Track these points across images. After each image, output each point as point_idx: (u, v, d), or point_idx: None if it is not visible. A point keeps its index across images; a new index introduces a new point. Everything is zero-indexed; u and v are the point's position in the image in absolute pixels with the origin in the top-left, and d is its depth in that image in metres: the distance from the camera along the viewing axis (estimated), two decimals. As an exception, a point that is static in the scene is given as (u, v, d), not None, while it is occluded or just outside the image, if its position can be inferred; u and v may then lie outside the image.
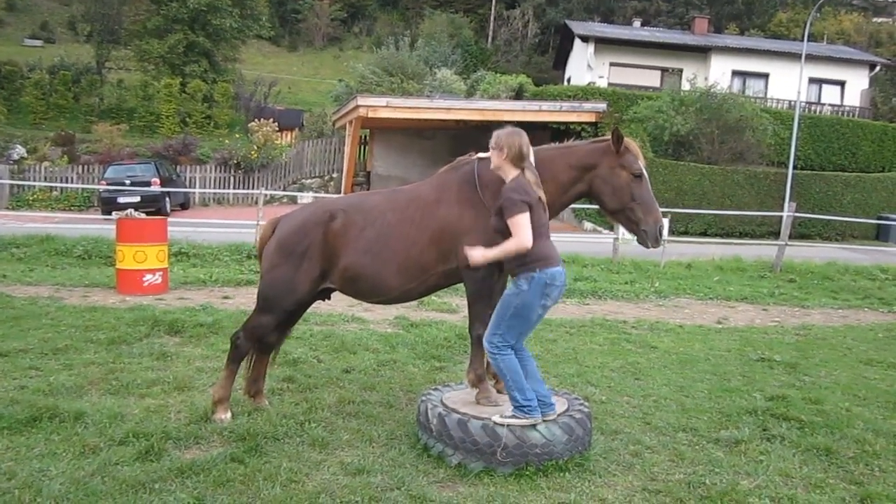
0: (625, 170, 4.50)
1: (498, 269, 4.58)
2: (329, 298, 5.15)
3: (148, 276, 9.74)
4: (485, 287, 4.60)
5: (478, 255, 4.16)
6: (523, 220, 4.06)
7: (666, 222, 14.80)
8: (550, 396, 4.39)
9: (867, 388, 6.36)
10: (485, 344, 4.30)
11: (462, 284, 4.79)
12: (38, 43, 46.63)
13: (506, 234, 4.14)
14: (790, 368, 7.01)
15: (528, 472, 4.11)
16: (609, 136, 4.54)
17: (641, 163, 4.53)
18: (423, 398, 4.66)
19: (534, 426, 4.20)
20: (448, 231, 4.58)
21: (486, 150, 4.54)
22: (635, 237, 4.66)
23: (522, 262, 4.16)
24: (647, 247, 4.61)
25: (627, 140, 4.54)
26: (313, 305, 5.44)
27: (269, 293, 4.83)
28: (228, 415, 4.85)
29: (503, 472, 4.13)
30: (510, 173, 4.22)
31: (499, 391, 4.70)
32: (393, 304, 5.49)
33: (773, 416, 5.36)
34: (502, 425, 4.18)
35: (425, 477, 4.10)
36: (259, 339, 5.03)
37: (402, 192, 5.02)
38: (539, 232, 4.14)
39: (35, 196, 24.51)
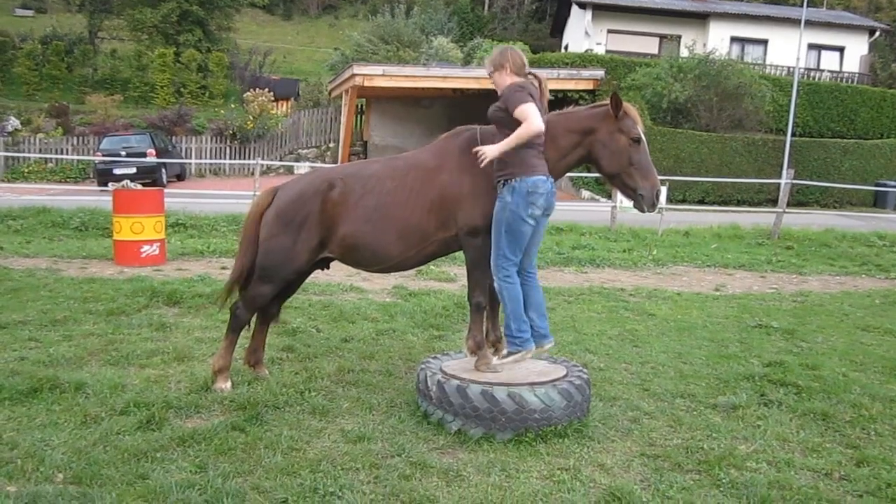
0: (623, 134, 4.49)
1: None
2: (328, 268, 5.15)
3: (145, 248, 9.74)
4: (483, 255, 4.60)
5: (492, 148, 4.20)
6: (530, 107, 4.16)
7: (664, 190, 14.88)
8: (548, 329, 4.55)
9: (864, 354, 6.40)
10: (493, 270, 4.39)
11: (460, 253, 4.79)
12: (30, 13, 45.98)
13: (509, 128, 4.23)
14: (787, 335, 7.04)
15: (527, 438, 4.14)
16: (608, 101, 4.52)
17: (640, 128, 4.52)
18: (423, 366, 4.68)
19: (531, 390, 4.23)
20: (448, 198, 4.56)
21: (484, 118, 4.54)
22: (632, 202, 4.67)
23: (503, 169, 4.28)
24: (644, 211, 4.62)
25: (626, 105, 4.52)
26: (312, 275, 5.44)
27: (267, 263, 4.82)
28: (229, 384, 4.87)
29: (502, 439, 4.16)
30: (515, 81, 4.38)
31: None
32: (391, 272, 5.49)
33: (770, 382, 5.39)
34: (499, 365, 4.42)
35: (425, 444, 4.13)
36: (258, 308, 5.04)
37: (402, 159, 4.99)
38: (530, 141, 4.26)
39: (30, 168, 24.42)
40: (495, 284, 4.40)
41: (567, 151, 4.62)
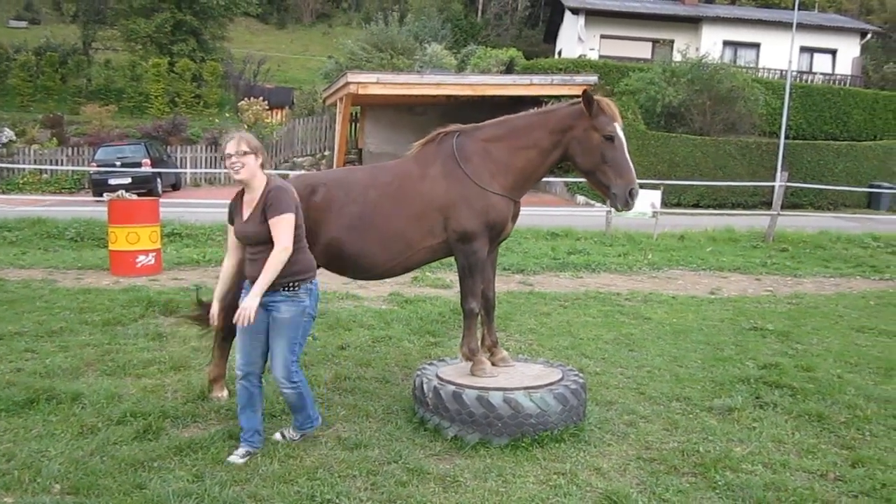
0: (597, 131, 4.50)
1: (489, 243, 4.65)
2: None
3: (141, 258, 9.73)
4: (477, 261, 4.62)
5: (252, 300, 3.76)
6: (290, 220, 3.87)
7: (659, 194, 14.91)
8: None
9: (858, 355, 6.43)
10: (284, 377, 3.99)
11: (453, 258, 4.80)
12: (23, 24, 46.10)
13: (261, 239, 3.89)
14: (782, 337, 7.06)
15: (523, 444, 4.16)
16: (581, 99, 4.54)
17: (617, 125, 4.51)
18: (419, 373, 4.69)
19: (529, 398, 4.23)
20: (432, 206, 4.59)
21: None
22: (607, 200, 4.69)
23: (299, 272, 3.97)
24: (618, 209, 4.62)
25: (603, 102, 4.53)
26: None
27: None
28: (225, 393, 4.87)
29: (499, 444, 4.17)
30: (262, 175, 4.06)
31: (493, 363, 4.73)
32: (377, 279, 5.42)
33: (765, 384, 5.42)
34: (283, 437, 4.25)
35: (422, 450, 4.14)
36: None
37: (386, 167, 5.02)
38: (303, 242, 4.05)
39: (25, 179, 24.35)
40: (287, 391, 4.05)
41: (549, 152, 4.66)
